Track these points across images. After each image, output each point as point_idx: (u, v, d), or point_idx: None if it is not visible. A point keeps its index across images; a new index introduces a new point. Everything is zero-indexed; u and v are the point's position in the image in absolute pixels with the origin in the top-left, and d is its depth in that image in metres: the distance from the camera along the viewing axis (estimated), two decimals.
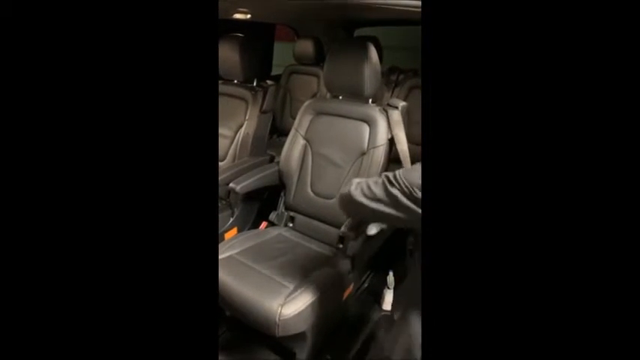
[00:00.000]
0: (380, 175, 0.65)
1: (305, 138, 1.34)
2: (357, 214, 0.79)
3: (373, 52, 1.20)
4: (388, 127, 1.21)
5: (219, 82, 1.62)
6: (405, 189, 0.59)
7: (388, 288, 1.38)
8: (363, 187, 0.68)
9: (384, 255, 1.39)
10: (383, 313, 1.37)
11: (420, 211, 0.57)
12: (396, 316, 0.85)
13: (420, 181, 0.57)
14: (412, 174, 0.59)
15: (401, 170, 0.62)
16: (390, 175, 0.62)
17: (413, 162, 0.93)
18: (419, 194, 0.57)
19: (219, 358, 1.19)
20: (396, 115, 1.21)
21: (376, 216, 0.70)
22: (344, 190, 0.74)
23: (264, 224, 1.45)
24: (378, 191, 0.65)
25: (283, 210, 1.40)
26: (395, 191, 0.61)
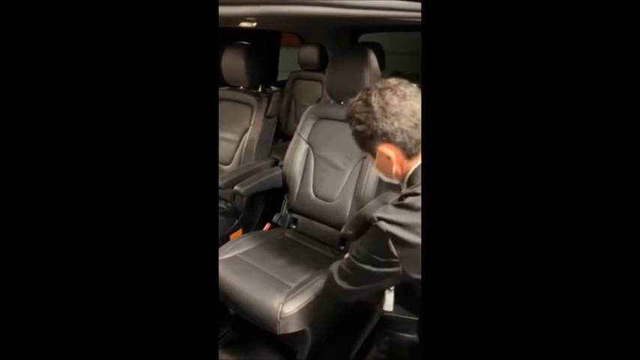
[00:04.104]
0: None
1: (307, 142, 1.38)
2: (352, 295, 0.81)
3: (373, 59, 1.23)
4: None
5: (225, 88, 1.67)
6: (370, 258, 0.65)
7: (388, 289, 1.39)
8: (342, 268, 0.74)
9: None
10: (383, 314, 1.39)
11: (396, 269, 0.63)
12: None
13: (373, 213, 0.64)
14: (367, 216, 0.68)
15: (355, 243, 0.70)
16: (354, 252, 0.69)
17: None
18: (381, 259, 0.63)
19: (223, 356, 1.22)
20: None
21: (370, 289, 0.75)
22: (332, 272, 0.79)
23: (267, 226, 1.48)
24: (352, 271, 0.72)
25: (286, 212, 1.43)
26: (366, 266, 0.66)
